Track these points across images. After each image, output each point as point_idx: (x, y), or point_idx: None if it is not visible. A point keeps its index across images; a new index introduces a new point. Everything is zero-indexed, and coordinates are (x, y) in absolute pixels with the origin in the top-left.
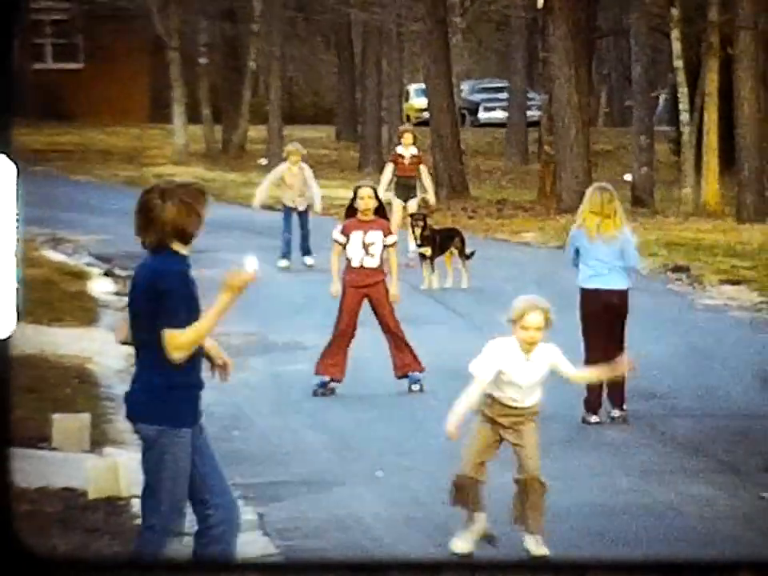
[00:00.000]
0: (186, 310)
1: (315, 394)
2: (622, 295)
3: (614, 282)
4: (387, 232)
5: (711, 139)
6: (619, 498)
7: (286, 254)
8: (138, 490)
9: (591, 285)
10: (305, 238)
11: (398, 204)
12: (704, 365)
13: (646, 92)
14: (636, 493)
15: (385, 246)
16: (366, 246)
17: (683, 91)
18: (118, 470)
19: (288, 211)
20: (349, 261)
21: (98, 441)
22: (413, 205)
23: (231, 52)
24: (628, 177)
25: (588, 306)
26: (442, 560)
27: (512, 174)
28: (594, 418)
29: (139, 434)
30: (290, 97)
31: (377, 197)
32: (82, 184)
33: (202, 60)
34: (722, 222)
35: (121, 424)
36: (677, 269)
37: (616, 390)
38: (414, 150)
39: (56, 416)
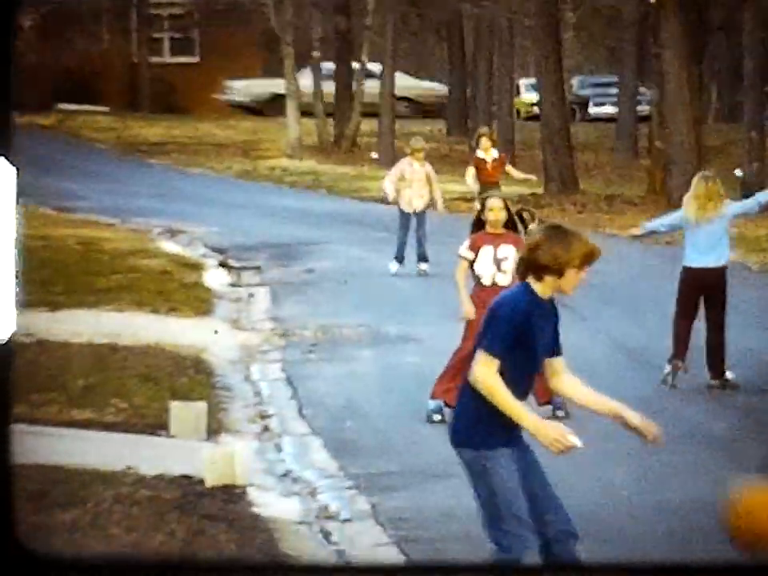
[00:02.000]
0: (510, 342)
1: (429, 420)
2: (720, 273)
3: (713, 260)
4: (520, 246)
5: None
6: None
7: (399, 258)
8: (254, 479)
9: (693, 264)
10: (420, 242)
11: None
12: None
13: (757, 87)
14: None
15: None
16: (498, 262)
17: None
18: (234, 458)
19: (405, 214)
20: (479, 278)
21: (214, 429)
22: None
23: (345, 46)
24: (738, 172)
25: (687, 282)
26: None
27: (621, 169)
28: (677, 371)
29: (461, 458)
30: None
31: (507, 208)
32: (197, 176)
33: (316, 54)
34: None
35: (236, 413)
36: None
37: (715, 358)
38: (494, 153)
39: (173, 404)
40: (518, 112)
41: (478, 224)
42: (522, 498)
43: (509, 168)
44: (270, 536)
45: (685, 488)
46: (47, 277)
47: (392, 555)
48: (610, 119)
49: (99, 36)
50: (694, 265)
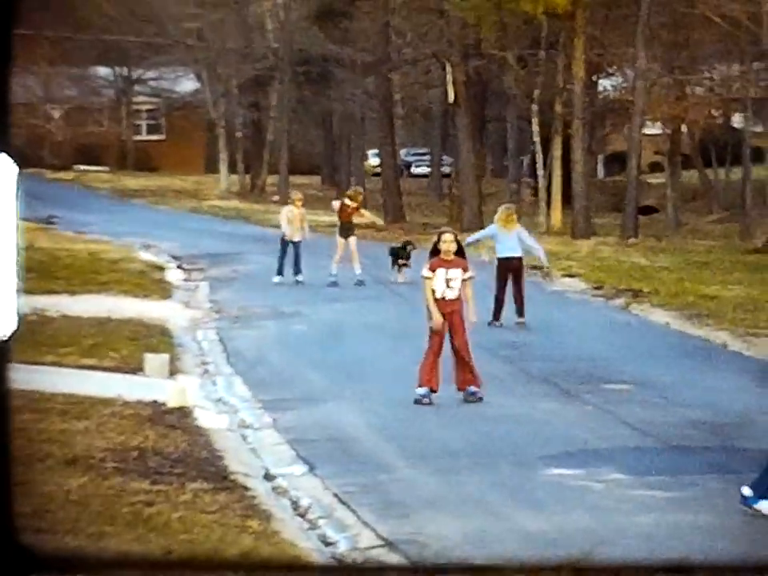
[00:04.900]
0: None
1: (418, 402)
2: (519, 260)
3: (514, 253)
4: (465, 269)
5: (556, 187)
6: (492, 411)
7: (280, 272)
8: (198, 403)
9: (502, 255)
10: (297, 262)
11: (340, 241)
12: (551, 325)
13: (516, 156)
14: (504, 407)
15: (463, 280)
16: (447, 281)
17: (539, 156)
18: (186, 389)
19: (285, 242)
20: (433, 291)
21: (173, 371)
22: (352, 240)
23: (257, 128)
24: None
25: (500, 267)
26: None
27: (432, 207)
28: (497, 323)
29: None
30: (293, 156)
31: (456, 240)
32: (163, 211)
33: (239, 134)
34: (562, 238)
35: (187, 361)
36: (534, 267)
37: (520, 308)
38: (355, 204)
39: (147, 355)
40: (366, 171)
41: (434, 251)
42: None
43: (363, 211)
44: (208, 438)
45: (466, 408)
46: (68, 275)
47: (285, 450)
48: (424, 176)
49: (101, 122)
50: (504, 256)
